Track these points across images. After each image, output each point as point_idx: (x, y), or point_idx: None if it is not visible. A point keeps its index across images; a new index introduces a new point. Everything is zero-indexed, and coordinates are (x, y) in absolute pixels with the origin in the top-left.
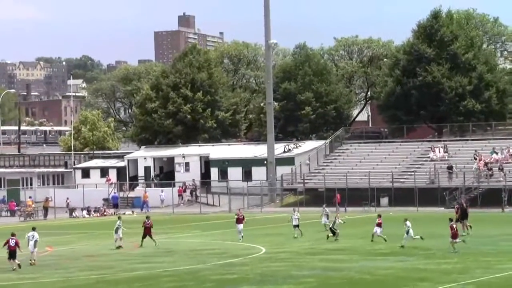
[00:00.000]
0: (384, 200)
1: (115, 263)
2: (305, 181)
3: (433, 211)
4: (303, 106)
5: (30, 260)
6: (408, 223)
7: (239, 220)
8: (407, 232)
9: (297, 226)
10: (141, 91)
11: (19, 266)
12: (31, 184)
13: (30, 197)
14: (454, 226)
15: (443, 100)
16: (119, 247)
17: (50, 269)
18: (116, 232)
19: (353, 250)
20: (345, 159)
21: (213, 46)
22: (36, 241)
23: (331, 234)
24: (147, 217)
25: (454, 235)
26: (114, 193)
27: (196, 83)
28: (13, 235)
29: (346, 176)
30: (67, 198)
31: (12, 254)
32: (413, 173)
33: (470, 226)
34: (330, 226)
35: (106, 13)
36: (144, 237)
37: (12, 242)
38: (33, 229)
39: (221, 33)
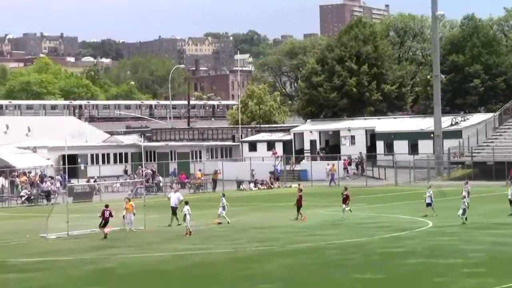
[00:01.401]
0: None
1: (282, 235)
2: (473, 154)
3: None
4: (471, 78)
5: (186, 234)
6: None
7: (345, 199)
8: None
9: (430, 204)
10: (307, 65)
11: (105, 236)
12: (200, 157)
13: (199, 170)
14: None
15: None
16: (219, 223)
17: (220, 240)
18: (224, 208)
19: None
20: None
21: (378, 19)
22: (190, 214)
23: None
24: (300, 190)
25: None
26: (276, 166)
27: (362, 56)
28: (106, 206)
29: None
30: (252, 170)
31: (106, 224)
32: None
33: None
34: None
35: None
36: (298, 210)
37: (107, 213)
38: (186, 203)
39: (386, 5)
